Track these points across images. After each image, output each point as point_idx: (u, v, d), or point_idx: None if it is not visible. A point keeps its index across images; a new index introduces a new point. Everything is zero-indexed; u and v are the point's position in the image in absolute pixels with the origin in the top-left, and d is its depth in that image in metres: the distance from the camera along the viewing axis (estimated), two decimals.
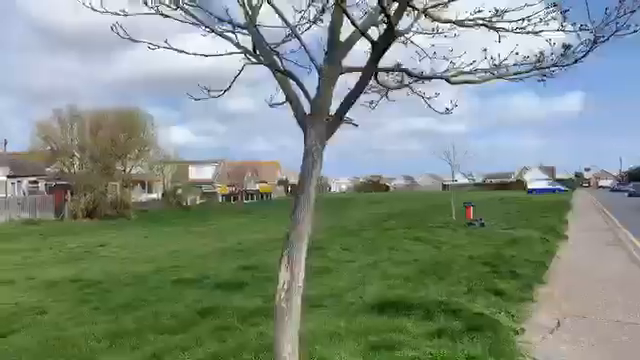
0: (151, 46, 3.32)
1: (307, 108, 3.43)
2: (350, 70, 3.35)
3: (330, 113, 3.44)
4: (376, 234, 16.12)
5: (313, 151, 3.25)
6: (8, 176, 33.21)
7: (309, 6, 3.85)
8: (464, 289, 6.95)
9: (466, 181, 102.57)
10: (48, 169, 32.57)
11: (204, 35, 3.60)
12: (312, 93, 3.41)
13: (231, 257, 12.35)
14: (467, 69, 4.01)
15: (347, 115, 3.46)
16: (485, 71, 3.96)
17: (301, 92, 3.40)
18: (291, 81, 3.37)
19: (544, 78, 4.26)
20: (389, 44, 3.03)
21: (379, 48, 3.00)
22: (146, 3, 3.10)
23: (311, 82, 3.74)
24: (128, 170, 36.39)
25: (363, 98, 4.81)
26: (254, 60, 3.37)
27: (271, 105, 3.89)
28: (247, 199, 58.37)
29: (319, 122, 3.24)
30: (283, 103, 3.58)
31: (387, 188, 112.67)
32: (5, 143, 39.65)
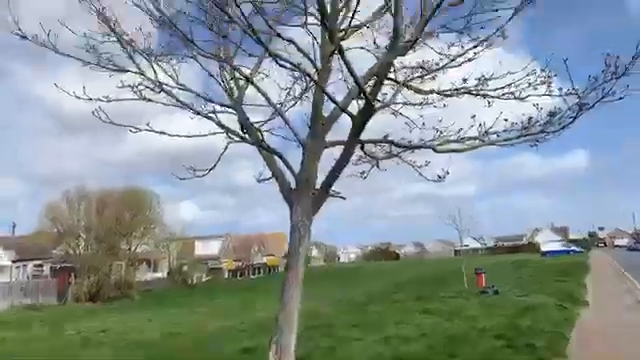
0: (132, 129, 3.36)
1: (293, 183, 3.38)
2: (334, 144, 3.34)
3: (317, 187, 3.38)
4: (384, 307, 15.47)
5: (300, 227, 3.13)
6: (13, 261, 33.03)
7: (294, 84, 3.93)
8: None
9: (477, 245, 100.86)
10: (54, 251, 32.42)
11: (192, 118, 3.65)
12: (298, 168, 3.37)
13: (233, 339, 11.79)
14: (454, 137, 4.00)
15: (333, 188, 3.40)
16: (473, 138, 3.95)
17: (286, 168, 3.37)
18: (276, 157, 3.35)
19: (536, 143, 4.23)
20: (368, 118, 3.02)
21: (358, 122, 2.99)
22: (132, 88, 3.18)
23: (298, 156, 3.73)
24: (133, 249, 36.16)
25: (354, 169, 4.80)
26: (237, 139, 3.37)
27: (259, 181, 3.85)
28: (254, 273, 57.25)
29: (305, 197, 3.16)
30: (270, 179, 3.54)
31: (397, 256, 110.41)
32: (13, 226, 39.90)
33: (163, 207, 38.55)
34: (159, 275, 43.51)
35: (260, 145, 3.25)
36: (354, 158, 4.54)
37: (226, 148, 3.56)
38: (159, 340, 13.02)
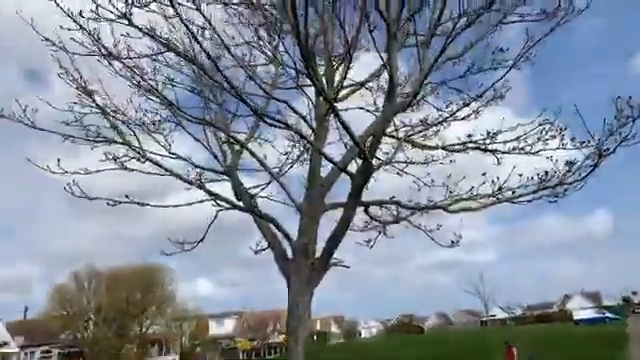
0: (110, 202, 3.13)
1: (290, 253, 3.07)
2: (335, 206, 3.06)
3: (316, 255, 3.05)
4: None
5: (298, 302, 2.75)
6: (21, 346, 32.00)
7: (292, 147, 3.75)
8: None
9: (504, 315, 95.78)
10: (62, 335, 31.44)
11: (187, 189, 3.45)
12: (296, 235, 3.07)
13: None
14: (466, 195, 3.69)
15: (336, 256, 3.06)
16: (487, 196, 3.63)
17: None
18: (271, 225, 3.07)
19: (555, 199, 3.89)
20: (368, 177, 2.77)
21: (358, 182, 2.73)
22: (114, 160, 3.02)
23: (297, 223, 3.44)
24: (145, 330, 35.05)
25: (360, 237, 4.45)
26: (227, 205, 3.12)
27: (256, 252, 3.53)
28: (269, 353, 54.50)
29: (303, 267, 2.82)
30: (266, 249, 3.23)
31: (422, 330, 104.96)
32: (25, 310, 39.23)
33: (177, 284, 37.83)
34: (170, 358, 41.61)
35: (252, 211, 2.98)
36: (360, 224, 4.25)
37: (216, 216, 3.30)
38: None
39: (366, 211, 3.39)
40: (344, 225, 2.83)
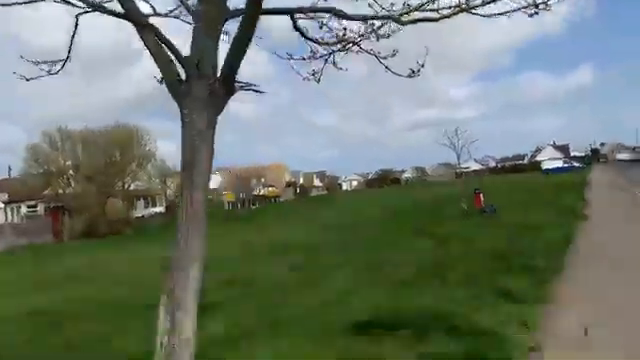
0: None
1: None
2: (237, 14, 2.26)
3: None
4: (380, 231, 14.98)
5: (194, 136, 2.17)
6: (5, 202, 32.69)
7: None
8: (469, 293, 5.77)
9: (479, 167, 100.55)
10: (45, 192, 31.95)
11: None
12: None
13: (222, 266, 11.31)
14: (428, 7, 2.89)
15: (241, 79, 2.37)
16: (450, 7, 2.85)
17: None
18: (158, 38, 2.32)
19: (536, 11, 3.12)
20: None
21: None
22: None
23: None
24: (127, 186, 35.68)
25: (303, 69, 3.73)
26: (87, 8, 2.31)
27: (160, 81, 2.82)
28: (254, 204, 57.43)
29: (201, 89, 2.16)
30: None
31: (398, 181, 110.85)
32: (9, 170, 39.18)
33: (155, 143, 37.55)
34: (159, 210, 43.47)
35: (128, 17, 2.18)
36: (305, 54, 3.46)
37: (76, 25, 2.49)
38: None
39: (295, 26, 2.59)
40: (249, 25, 2.06)
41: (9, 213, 33.01)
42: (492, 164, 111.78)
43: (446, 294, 5.80)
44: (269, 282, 8.40)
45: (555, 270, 6.67)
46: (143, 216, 38.89)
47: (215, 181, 62.47)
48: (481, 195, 18.30)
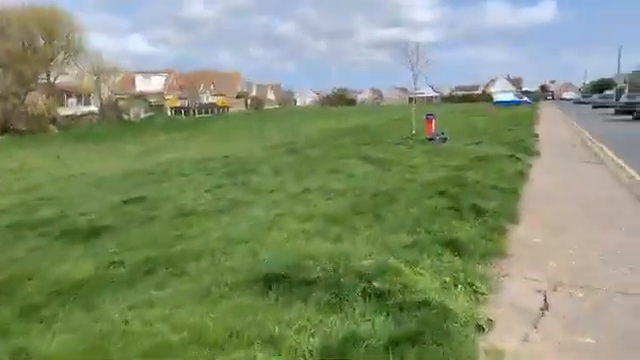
0: None
1: None
2: None
3: None
4: (322, 152, 13.79)
5: None
6: None
7: None
8: (407, 239, 4.74)
9: (433, 94, 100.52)
10: None
11: None
12: None
13: (129, 184, 9.79)
14: None
15: None
16: None
17: None
18: None
19: None
20: None
21: None
22: None
23: None
24: (54, 79, 31.89)
25: None
26: None
27: None
28: (200, 113, 54.31)
29: None
30: None
31: (353, 102, 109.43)
32: None
33: (86, 33, 33.15)
34: (92, 109, 39.84)
35: None
36: None
37: None
38: None
39: None
40: None
41: None
42: (446, 92, 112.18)
43: (380, 239, 4.74)
44: (179, 205, 7.07)
45: (510, 215, 5.76)
46: (74, 115, 35.44)
47: (158, 82, 58.04)
48: (433, 121, 17.38)
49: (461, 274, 3.83)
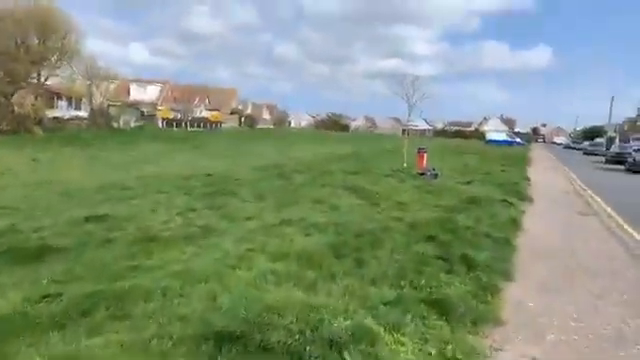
0: None
1: None
2: None
3: None
4: (309, 179, 13.26)
5: None
6: None
7: None
8: (390, 294, 4.17)
9: (426, 127, 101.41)
10: None
11: None
12: None
13: (99, 198, 9.15)
14: None
15: None
16: None
17: None
18: None
19: None
20: None
21: None
22: None
23: None
24: (44, 79, 31.25)
25: None
26: None
27: None
28: (193, 126, 53.78)
29: None
30: None
31: (347, 128, 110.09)
32: None
33: (82, 37, 32.71)
34: (80, 113, 39.11)
35: None
36: None
37: None
38: None
39: None
40: None
41: None
42: (439, 126, 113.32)
43: (360, 291, 4.18)
44: (144, 227, 6.45)
45: (503, 271, 5.23)
46: (61, 117, 34.67)
47: (153, 92, 57.59)
48: (425, 155, 17.04)
49: (449, 346, 3.27)
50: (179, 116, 54.46)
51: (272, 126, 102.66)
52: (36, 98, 29.38)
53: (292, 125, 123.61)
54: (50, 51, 30.45)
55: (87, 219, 6.80)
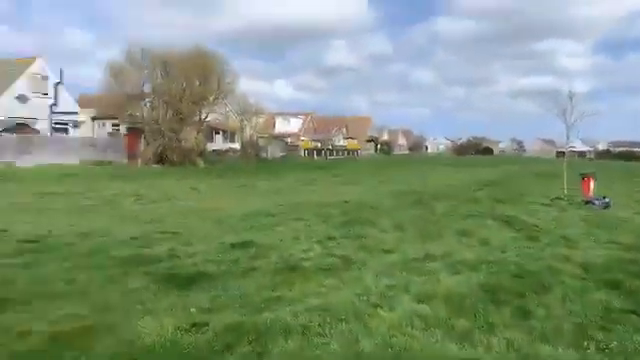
0: None
1: None
2: None
3: None
4: (451, 208, 12.33)
5: None
6: (93, 118, 34.01)
7: None
8: (569, 356, 3.35)
9: (585, 149, 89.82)
10: (128, 112, 32.65)
11: None
12: None
13: (245, 225, 9.64)
14: None
15: None
16: None
17: None
18: None
19: None
20: None
21: None
22: None
23: None
24: (205, 117, 35.47)
25: None
26: None
27: None
28: (332, 155, 55.87)
29: None
30: None
31: (491, 151, 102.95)
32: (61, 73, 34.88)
33: (236, 77, 36.55)
34: (235, 146, 43.50)
35: None
36: None
37: None
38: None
39: None
40: None
41: (96, 128, 34.49)
42: (601, 147, 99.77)
43: (528, 348, 3.43)
44: (286, 256, 6.47)
45: None
46: (219, 150, 39.00)
47: (296, 124, 61.61)
48: (592, 181, 14.68)
49: None
50: (319, 145, 57.08)
51: (408, 151, 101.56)
52: (198, 133, 33.34)
53: (428, 150, 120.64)
54: (209, 92, 34.45)
55: (233, 245, 7.11)
